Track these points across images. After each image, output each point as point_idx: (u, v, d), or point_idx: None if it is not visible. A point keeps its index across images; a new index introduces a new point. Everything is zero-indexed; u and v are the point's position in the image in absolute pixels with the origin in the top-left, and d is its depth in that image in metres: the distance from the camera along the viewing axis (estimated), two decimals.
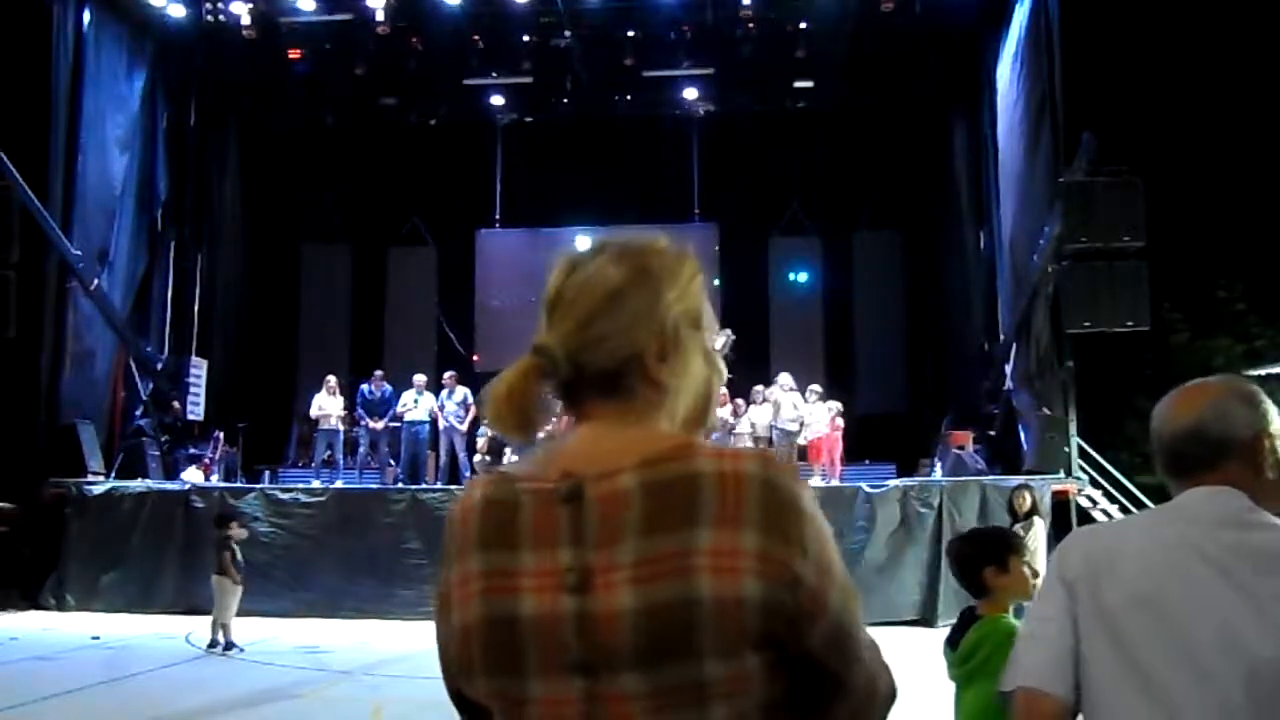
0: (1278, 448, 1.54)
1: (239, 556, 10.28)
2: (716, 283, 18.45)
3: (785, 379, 14.34)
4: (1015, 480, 10.74)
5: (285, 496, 13.13)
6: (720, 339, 1.21)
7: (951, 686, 3.06)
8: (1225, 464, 1.52)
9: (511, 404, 1.12)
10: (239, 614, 10.29)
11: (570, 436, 1.13)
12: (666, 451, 1.06)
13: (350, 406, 15.12)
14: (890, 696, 1.14)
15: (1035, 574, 3.07)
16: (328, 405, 14.80)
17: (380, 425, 14.89)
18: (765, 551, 1.02)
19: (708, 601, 1.00)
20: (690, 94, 17.81)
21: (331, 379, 15.02)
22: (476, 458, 14.20)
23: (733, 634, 1.01)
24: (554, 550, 1.05)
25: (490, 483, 1.13)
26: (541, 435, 1.16)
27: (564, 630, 1.03)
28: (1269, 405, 1.56)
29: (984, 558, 2.95)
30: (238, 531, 10.47)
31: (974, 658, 2.87)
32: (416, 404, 14.65)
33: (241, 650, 10.02)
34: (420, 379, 15.00)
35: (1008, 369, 14.54)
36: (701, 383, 1.16)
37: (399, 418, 14.72)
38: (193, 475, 14.54)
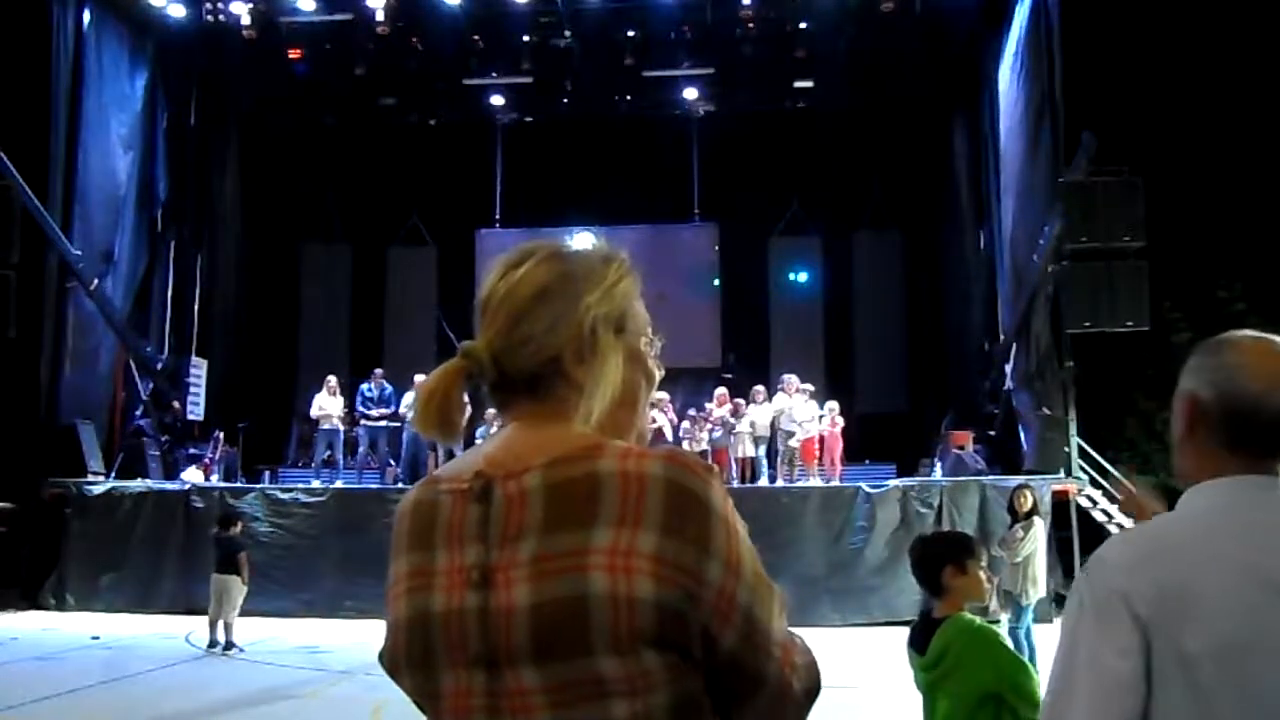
0: None
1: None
2: (716, 283, 18.47)
3: (793, 380, 14.30)
4: (1015, 480, 10.73)
5: (285, 496, 13.15)
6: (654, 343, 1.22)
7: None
8: None
9: (432, 406, 1.14)
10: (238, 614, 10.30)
11: (495, 437, 1.15)
12: (574, 451, 1.08)
13: (350, 406, 15.12)
14: (810, 691, 1.14)
15: (990, 578, 3.09)
16: (328, 405, 14.79)
17: (379, 414, 14.83)
18: (662, 552, 1.02)
19: (600, 599, 1.01)
20: (690, 94, 17.81)
21: (332, 379, 15.03)
22: None
23: (626, 632, 1.01)
24: (463, 548, 1.08)
25: (421, 485, 1.16)
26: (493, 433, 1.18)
27: (468, 626, 1.05)
28: None
29: (945, 558, 3.00)
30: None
31: (943, 662, 2.88)
32: None
33: (241, 650, 10.03)
34: (421, 379, 14.88)
35: (1008, 369, 14.54)
36: (618, 385, 1.15)
37: (399, 417, 14.72)
38: (193, 475, 14.55)
